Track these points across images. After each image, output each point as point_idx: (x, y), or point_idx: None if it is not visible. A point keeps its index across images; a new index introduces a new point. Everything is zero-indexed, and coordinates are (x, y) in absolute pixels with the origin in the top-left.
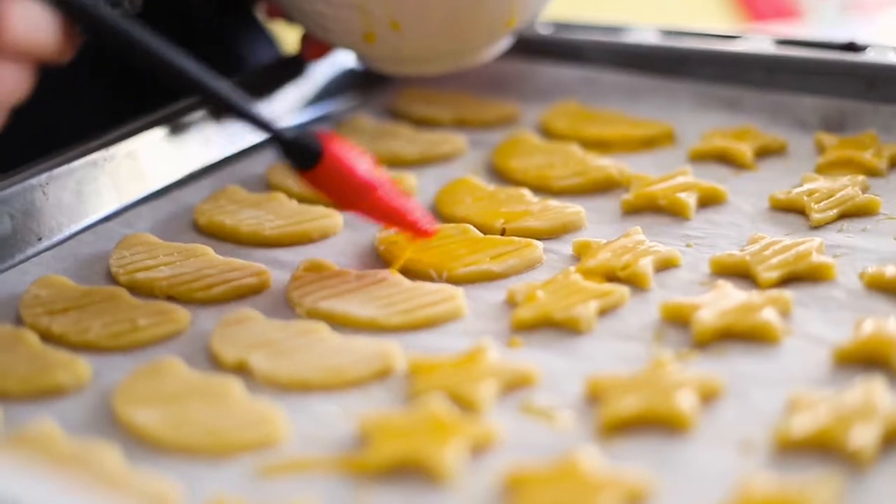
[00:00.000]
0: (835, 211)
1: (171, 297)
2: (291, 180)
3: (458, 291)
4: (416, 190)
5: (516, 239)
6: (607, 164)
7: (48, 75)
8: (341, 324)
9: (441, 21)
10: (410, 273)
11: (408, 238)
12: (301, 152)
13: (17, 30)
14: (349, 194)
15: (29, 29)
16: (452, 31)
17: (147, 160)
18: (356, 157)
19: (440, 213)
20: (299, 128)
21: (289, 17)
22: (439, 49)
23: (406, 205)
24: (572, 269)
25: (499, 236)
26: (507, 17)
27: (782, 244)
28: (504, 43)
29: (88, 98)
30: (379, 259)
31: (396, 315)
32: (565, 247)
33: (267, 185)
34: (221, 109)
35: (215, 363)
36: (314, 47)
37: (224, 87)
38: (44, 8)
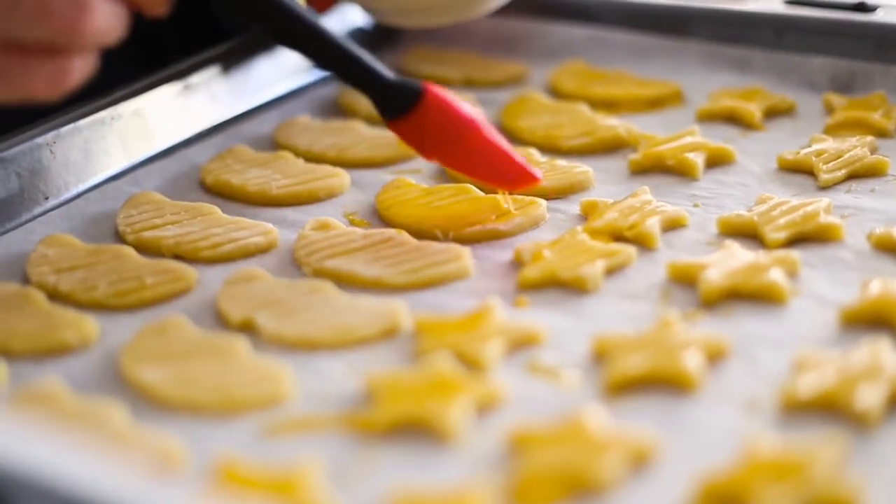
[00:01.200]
0: (843, 171)
1: (177, 256)
2: (299, 139)
3: (465, 251)
4: None
5: (520, 197)
6: (615, 124)
7: None
8: (348, 283)
9: None
10: (416, 233)
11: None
12: (400, 96)
13: None
14: (450, 137)
15: None
16: None
17: (155, 119)
18: (456, 99)
19: (447, 172)
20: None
21: None
22: (440, 1)
23: (510, 148)
24: (579, 228)
25: (501, 195)
26: None
27: (790, 205)
28: None
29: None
30: (382, 219)
31: (402, 274)
32: (573, 206)
33: (274, 145)
34: (313, 54)
35: (222, 322)
36: (321, 0)
37: (322, 28)
38: None
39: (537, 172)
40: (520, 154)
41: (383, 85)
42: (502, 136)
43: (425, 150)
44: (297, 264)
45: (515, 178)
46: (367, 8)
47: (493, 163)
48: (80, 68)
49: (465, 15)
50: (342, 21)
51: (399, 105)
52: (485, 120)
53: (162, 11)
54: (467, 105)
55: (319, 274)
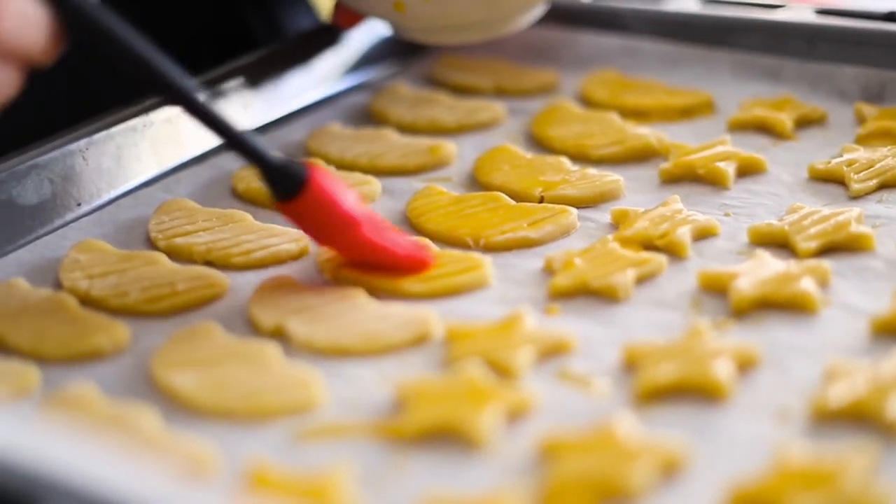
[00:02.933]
0: (874, 181)
1: (209, 263)
2: (330, 146)
3: (485, 259)
4: (454, 157)
5: (550, 205)
6: (646, 133)
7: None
8: (366, 289)
9: None
10: (447, 241)
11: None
12: (284, 180)
13: (6, 27)
14: (330, 229)
15: (20, 27)
16: (483, 1)
17: (186, 126)
18: (342, 191)
19: (478, 181)
20: (285, 156)
21: None
22: (471, 19)
23: (394, 240)
24: (610, 237)
25: (532, 203)
26: None
27: (821, 214)
28: (538, 11)
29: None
30: (412, 227)
31: (420, 282)
32: (603, 215)
33: (305, 153)
34: (210, 128)
35: (253, 328)
36: (347, 15)
37: (212, 107)
38: (36, 6)
39: (427, 256)
40: (407, 242)
41: (269, 167)
42: (384, 223)
43: (312, 237)
44: (319, 269)
45: (400, 269)
46: (396, 25)
47: (376, 258)
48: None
49: (493, 34)
50: (370, 32)
51: (283, 189)
52: (369, 215)
53: (48, 61)
54: (352, 197)
55: (338, 279)
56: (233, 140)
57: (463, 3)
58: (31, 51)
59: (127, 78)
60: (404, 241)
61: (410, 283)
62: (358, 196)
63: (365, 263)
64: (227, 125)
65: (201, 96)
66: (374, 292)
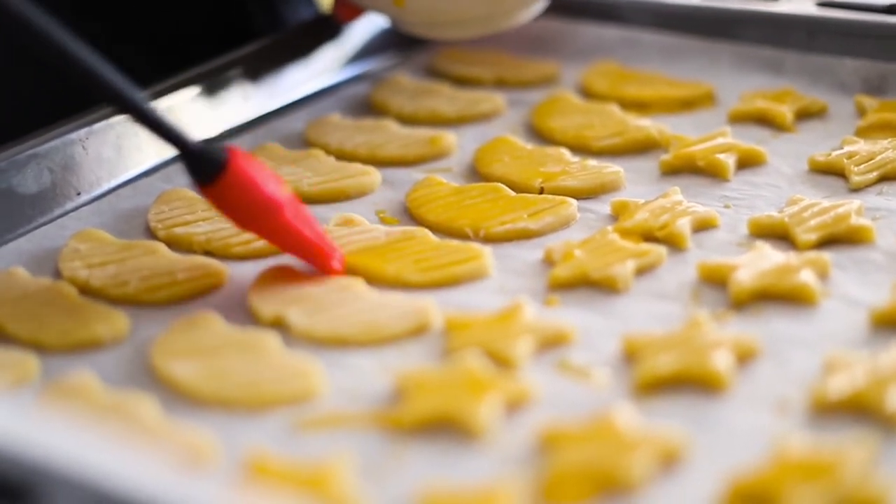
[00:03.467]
0: (874, 173)
1: (208, 252)
2: (330, 137)
3: (485, 250)
4: (455, 148)
5: (550, 197)
6: (646, 125)
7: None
8: (366, 278)
9: None
10: (446, 232)
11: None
12: (204, 164)
13: None
14: (252, 213)
15: None
16: None
17: (186, 116)
18: (264, 175)
19: (479, 172)
20: (211, 140)
21: None
22: (470, 14)
23: (314, 232)
24: (610, 228)
25: (532, 195)
26: None
27: (821, 206)
28: (539, 6)
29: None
30: (412, 217)
31: (420, 272)
32: (603, 206)
33: (305, 143)
34: (125, 112)
35: (252, 318)
36: (347, 9)
37: (129, 88)
38: None
39: (336, 261)
40: (324, 237)
41: (188, 150)
42: (305, 210)
43: (235, 222)
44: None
45: (314, 259)
46: (396, 20)
47: (292, 243)
48: None
49: (495, 28)
50: (370, 23)
51: (203, 172)
52: (292, 201)
53: None
54: (274, 182)
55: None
56: (150, 121)
57: None
58: None
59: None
60: (325, 238)
61: (410, 273)
62: (280, 181)
63: (284, 250)
64: (140, 105)
65: (117, 78)
66: (374, 282)
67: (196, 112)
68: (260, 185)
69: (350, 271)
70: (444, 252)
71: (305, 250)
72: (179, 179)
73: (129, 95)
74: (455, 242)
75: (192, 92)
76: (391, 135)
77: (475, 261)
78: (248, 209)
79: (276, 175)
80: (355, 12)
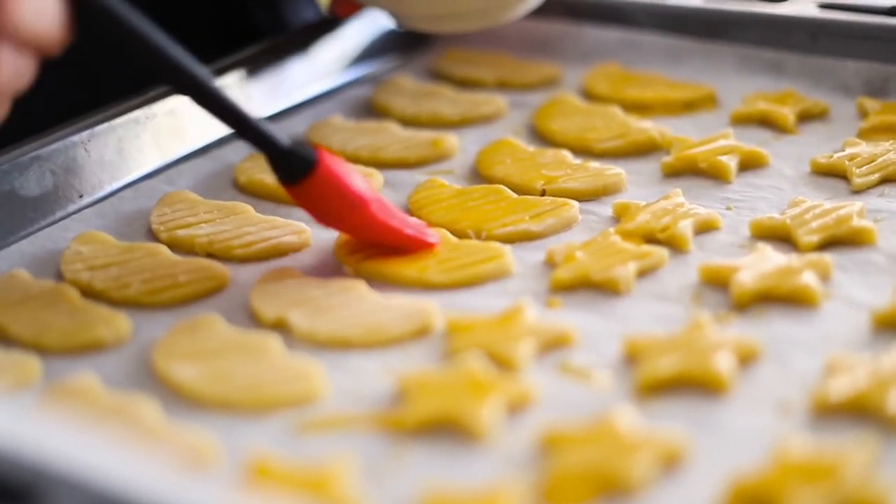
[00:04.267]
0: (876, 175)
1: (210, 255)
2: (332, 139)
3: (506, 249)
4: (456, 150)
5: (552, 199)
6: (648, 127)
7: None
8: (391, 281)
9: None
10: (460, 235)
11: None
12: (294, 163)
13: (22, 15)
14: (339, 210)
15: (36, 14)
16: None
17: (189, 118)
18: (350, 172)
19: (480, 174)
20: (291, 139)
21: None
22: (468, 7)
23: (402, 220)
24: (611, 230)
25: (534, 196)
26: None
27: (823, 208)
28: (536, 0)
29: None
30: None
31: (445, 273)
32: (605, 208)
33: (307, 144)
34: (216, 114)
35: (254, 320)
36: (346, 4)
37: (223, 93)
38: None
39: (432, 239)
40: (413, 223)
41: (278, 150)
42: (391, 205)
43: (319, 218)
44: (339, 261)
45: (410, 249)
46: (394, 14)
47: (384, 237)
48: (16, 66)
49: (494, 21)
50: (372, 25)
51: (292, 172)
52: (376, 196)
53: (58, 50)
54: (359, 179)
55: (360, 272)
56: (241, 125)
57: None
58: (46, 39)
59: (133, 64)
60: (412, 223)
61: (434, 274)
62: (365, 179)
63: (373, 244)
64: (235, 110)
65: (210, 82)
66: (390, 282)
67: (199, 113)
68: (347, 183)
69: (366, 273)
70: (466, 252)
71: (397, 241)
72: (181, 182)
73: (221, 97)
74: (474, 242)
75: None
76: (393, 137)
77: (498, 259)
78: (336, 207)
79: (364, 177)
80: (354, 8)
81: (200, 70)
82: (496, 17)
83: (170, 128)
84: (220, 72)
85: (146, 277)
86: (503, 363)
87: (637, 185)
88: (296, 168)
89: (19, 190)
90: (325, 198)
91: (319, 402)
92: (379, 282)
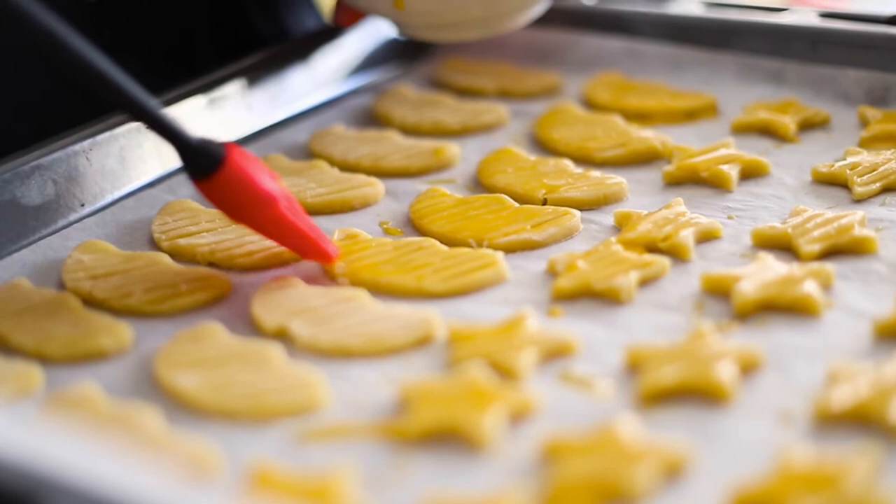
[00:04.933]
0: (878, 184)
1: (212, 264)
2: (334, 148)
3: (499, 255)
4: (458, 159)
5: (554, 208)
6: (649, 136)
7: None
8: (383, 291)
9: None
10: (450, 243)
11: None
12: (201, 158)
13: None
14: (247, 207)
15: None
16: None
17: (190, 127)
18: (259, 169)
19: (482, 183)
20: (200, 137)
21: None
22: (470, 15)
23: (308, 224)
24: (613, 239)
25: (535, 206)
26: None
27: (824, 217)
28: (539, 8)
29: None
30: (415, 228)
31: (440, 281)
32: (607, 218)
33: (309, 154)
34: (124, 108)
35: (256, 329)
36: (348, 13)
37: (129, 84)
38: None
39: (333, 251)
40: (319, 230)
41: (186, 145)
42: (299, 205)
43: (228, 214)
44: (327, 274)
45: (310, 254)
46: (396, 22)
47: (288, 237)
48: None
49: (495, 30)
50: (374, 34)
51: (200, 167)
52: (286, 195)
53: None
54: (268, 177)
55: (354, 283)
56: (148, 118)
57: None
58: None
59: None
60: (317, 229)
61: (430, 283)
62: (274, 176)
63: (279, 242)
64: (141, 104)
65: (114, 74)
66: (388, 293)
67: (199, 123)
68: (255, 179)
69: (362, 283)
70: (460, 260)
71: (300, 243)
72: (183, 191)
73: (128, 91)
74: (465, 250)
75: (196, 103)
76: (395, 146)
77: (492, 267)
78: (244, 203)
79: (270, 170)
80: (356, 17)
81: (103, 61)
82: (497, 26)
83: None
84: (223, 81)
85: (148, 286)
86: (505, 372)
87: (638, 195)
88: (203, 163)
89: (21, 199)
90: (233, 194)
91: (321, 412)
92: (375, 292)
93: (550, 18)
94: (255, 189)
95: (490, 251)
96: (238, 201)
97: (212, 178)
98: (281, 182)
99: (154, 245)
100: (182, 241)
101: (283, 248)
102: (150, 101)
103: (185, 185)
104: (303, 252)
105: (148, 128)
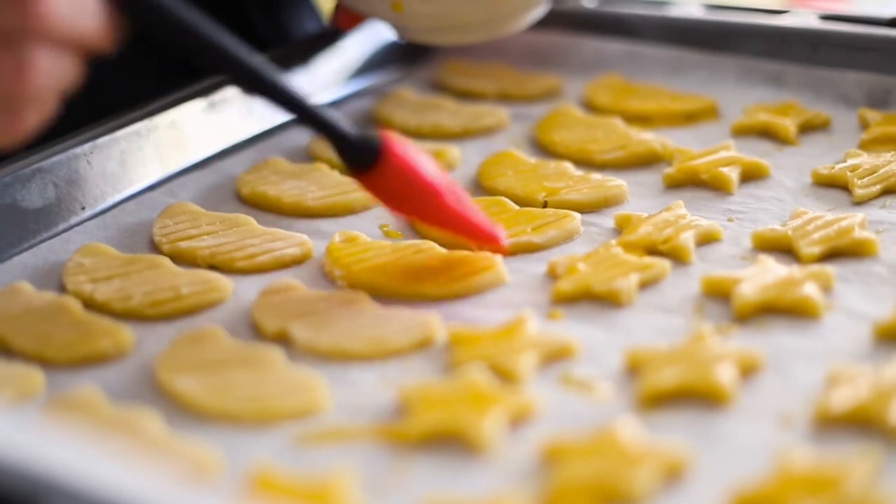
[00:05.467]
0: (878, 187)
1: (213, 267)
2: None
3: (497, 258)
4: (458, 162)
5: (554, 210)
6: (650, 138)
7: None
8: (380, 294)
9: None
10: (451, 245)
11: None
12: (360, 152)
13: (60, 13)
14: (412, 199)
15: (73, 13)
16: (481, 1)
17: (191, 130)
18: (421, 158)
19: (482, 186)
20: (358, 128)
21: None
22: (469, 19)
23: (475, 213)
24: (613, 242)
25: (536, 208)
26: None
27: (824, 219)
28: (538, 12)
29: (136, 71)
30: (415, 231)
31: (438, 285)
32: (607, 220)
33: (309, 156)
34: (280, 104)
35: (257, 332)
36: (348, 16)
37: (284, 81)
38: None
39: (501, 235)
40: (484, 215)
41: (345, 139)
42: (463, 191)
43: (389, 205)
44: (327, 277)
45: (478, 240)
46: (396, 26)
47: (455, 225)
48: (33, 116)
49: (494, 33)
50: (374, 37)
51: (359, 161)
52: (447, 181)
53: (107, 47)
54: (429, 164)
55: (352, 285)
56: (305, 114)
57: (461, 2)
58: (86, 36)
59: (189, 57)
60: (483, 216)
61: (427, 286)
62: (436, 163)
63: (445, 231)
64: (298, 100)
65: (269, 72)
66: (387, 296)
67: (201, 126)
68: (418, 170)
69: (360, 286)
70: (458, 263)
71: (467, 231)
72: (184, 194)
73: (284, 88)
74: (464, 253)
75: (197, 105)
76: None
77: (491, 270)
78: (407, 195)
79: (433, 159)
80: (356, 19)
81: (258, 60)
82: (497, 29)
83: (172, 140)
84: (224, 83)
85: (148, 290)
86: (505, 375)
87: (639, 197)
88: (362, 157)
89: (22, 202)
90: (395, 186)
91: (321, 415)
92: (373, 295)
93: (550, 21)
94: (417, 180)
95: (488, 254)
96: (400, 194)
97: (371, 170)
98: (444, 170)
99: (155, 248)
100: (183, 244)
101: (284, 252)
102: (305, 98)
103: (185, 188)
104: (471, 238)
105: (304, 124)
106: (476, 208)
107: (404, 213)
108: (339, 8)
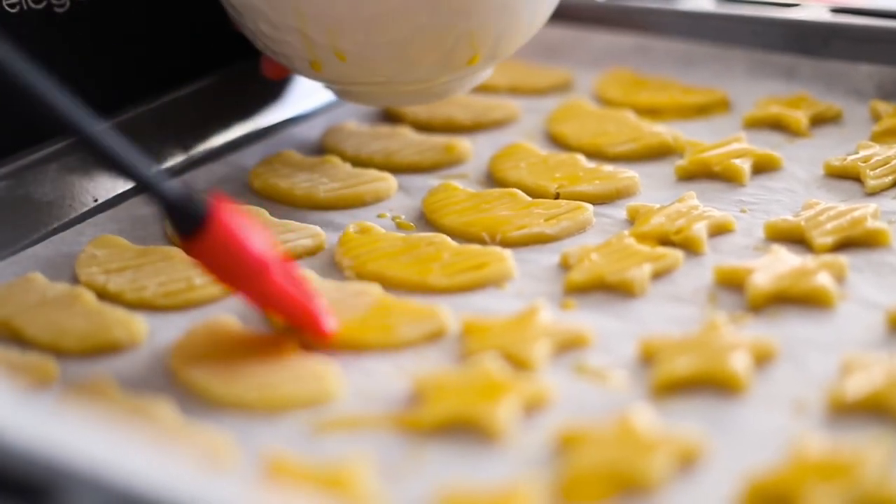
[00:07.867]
0: (890, 178)
1: None
2: (346, 143)
3: (506, 252)
4: (470, 155)
5: (566, 202)
6: (661, 131)
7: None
8: (389, 286)
9: (388, 55)
10: (462, 237)
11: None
12: (185, 216)
13: None
14: (236, 272)
15: None
16: (402, 66)
17: (203, 124)
18: (251, 230)
19: (494, 178)
20: (186, 187)
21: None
22: (391, 85)
23: (305, 294)
24: (626, 233)
25: (548, 200)
26: (467, 53)
27: (837, 210)
28: (482, 76)
29: None
30: (428, 223)
31: (445, 277)
32: (619, 211)
33: (321, 149)
34: (95, 157)
35: (269, 322)
36: (275, 66)
37: (100, 128)
38: None
39: (329, 325)
40: (316, 299)
41: (169, 201)
42: (297, 271)
43: (214, 276)
44: (338, 267)
45: (302, 324)
46: (330, 87)
47: (278, 305)
48: None
49: (421, 100)
50: None
51: (183, 225)
52: (280, 260)
53: None
54: (261, 238)
55: (360, 276)
56: (128, 173)
57: (379, 67)
58: None
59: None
60: (316, 299)
61: (436, 278)
62: (270, 239)
63: (272, 312)
64: (120, 158)
65: (93, 129)
66: (396, 287)
67: (213, 119)
68: (245, 242)
69: (369, 277)
70: (467, 256)
71: (292, 314)
72: (196, 186)
73: (106, 147)
74: (475, 246)
75: (209, 99)
76: (406, 141)
77: (499, 263)
78: (233, 268)
79: (265, 231)
80: (282, 70)
81: (86, 117)
82: (426, 97)
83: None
84: (236, 78)
85: (161, 280)
86: (519, 364)
87: (651, 189)
88: (185, 222)
89: (34, 194)
90: (219, 256)
91: (335, 403)
92: (385, 286)
93: (561, 15)
94: (243, 254)
95: (498, 248)
96: (226, 266)
97: (196, 238)
98: (275, 244)
99: (167, 240)
100: None
101: (296, 243)
102: (129, 155)
103: (198, 180)
104: (295, 322)
105: (123, 178)
106: (310, 292)
107: (228, 285)
108: (265, 58)
